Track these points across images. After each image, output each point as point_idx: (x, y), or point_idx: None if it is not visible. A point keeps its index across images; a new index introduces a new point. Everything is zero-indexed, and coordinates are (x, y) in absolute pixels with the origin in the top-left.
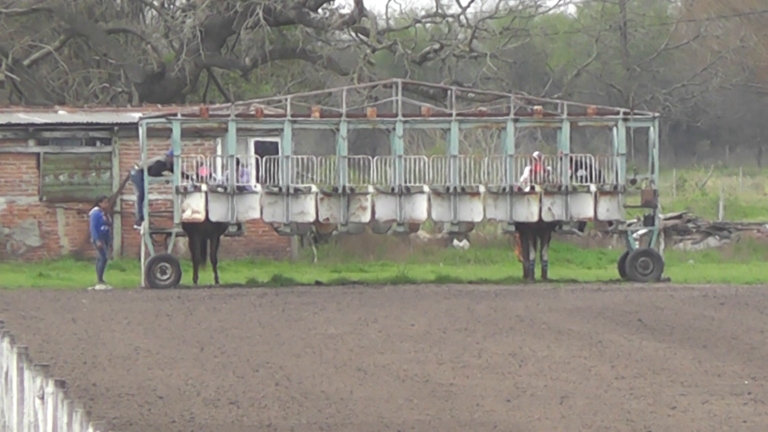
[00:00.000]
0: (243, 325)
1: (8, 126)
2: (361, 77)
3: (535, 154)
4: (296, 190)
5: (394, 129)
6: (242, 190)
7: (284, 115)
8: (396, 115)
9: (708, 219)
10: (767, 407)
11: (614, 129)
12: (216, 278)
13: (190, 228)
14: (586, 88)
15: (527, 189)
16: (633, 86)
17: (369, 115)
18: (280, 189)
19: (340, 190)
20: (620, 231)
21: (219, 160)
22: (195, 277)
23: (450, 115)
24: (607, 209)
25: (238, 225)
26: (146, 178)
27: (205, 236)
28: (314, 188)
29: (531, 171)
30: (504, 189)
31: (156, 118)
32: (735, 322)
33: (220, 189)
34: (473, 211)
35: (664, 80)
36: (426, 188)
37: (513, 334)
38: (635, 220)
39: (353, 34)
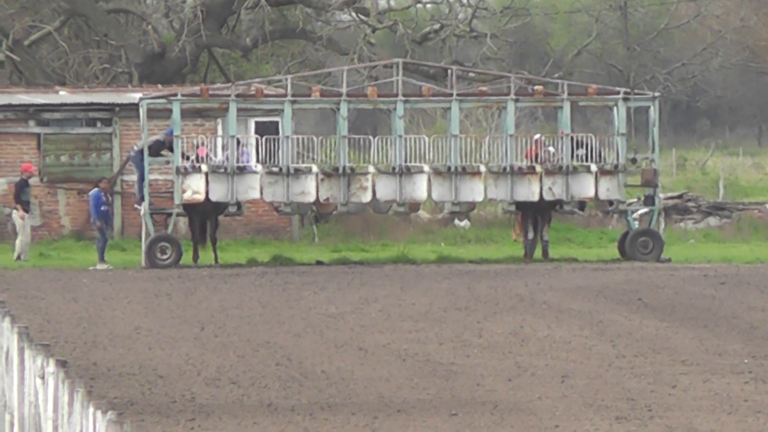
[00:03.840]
0: (243, 305)
1: (9, 107)
2: (361, 57)
3: (537, 136)
4: (296, 170)
5: (394, 109)
6: (242, 170)
7: (284, 95)
8: (396, 95)
9: (708, 198)
10: None
11: (615, 109)
12: (216, 258)
13: (190, 208)
14: (587, 67)
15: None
16: (633, 66)
17: (369, 95)
18: (281, 169)
19: (340, 170)
20: (621, 210)
21: (219, 140)
22: (195, 257)
23: (450, 94)
24: (608, 189)
25: (238, 205)
26: (146, 158)
27: (204, 216)
28: (314, 168)
29: (529, 153)
30: (505, 169)
31: (156, 98)
32: (736, 301)
33: (220, 169)
34: (474, 190)
35: (664, 60)
36: (426, 168)
37: (514, 314)
38: (635, 200)
39: (353, 14)
